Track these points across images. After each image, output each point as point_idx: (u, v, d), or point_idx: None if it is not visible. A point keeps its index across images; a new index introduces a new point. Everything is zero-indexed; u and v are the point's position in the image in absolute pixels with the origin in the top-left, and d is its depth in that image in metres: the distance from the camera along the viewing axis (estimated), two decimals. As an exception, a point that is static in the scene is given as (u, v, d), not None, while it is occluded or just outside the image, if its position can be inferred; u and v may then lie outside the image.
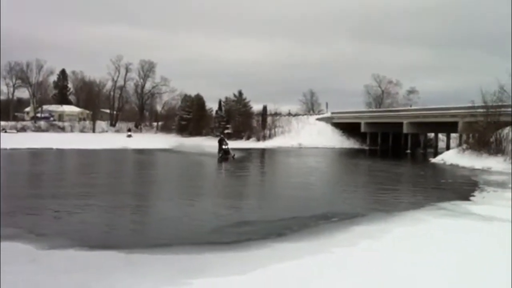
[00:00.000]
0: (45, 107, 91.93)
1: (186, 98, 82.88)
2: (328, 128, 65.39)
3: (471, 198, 16.68)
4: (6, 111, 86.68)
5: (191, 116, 77.64)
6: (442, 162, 34.77)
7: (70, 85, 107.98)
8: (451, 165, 32.48)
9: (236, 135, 66.60)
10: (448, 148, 49.33)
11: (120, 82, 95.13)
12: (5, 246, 8.82)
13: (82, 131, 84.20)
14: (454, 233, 10.76)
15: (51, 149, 41.56)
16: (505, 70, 45.92)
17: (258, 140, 63.68)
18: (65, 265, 7.93)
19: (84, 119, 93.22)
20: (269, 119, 67.50)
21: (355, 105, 79.03)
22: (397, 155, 47.21)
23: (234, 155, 34.64)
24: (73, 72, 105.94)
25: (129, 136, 68.67)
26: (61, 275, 7.36)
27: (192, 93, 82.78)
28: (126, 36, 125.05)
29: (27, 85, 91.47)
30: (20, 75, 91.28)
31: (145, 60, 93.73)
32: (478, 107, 35.96)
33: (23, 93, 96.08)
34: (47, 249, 8.86)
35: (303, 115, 76.34)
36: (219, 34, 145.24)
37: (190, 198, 16.24)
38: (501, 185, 20.57)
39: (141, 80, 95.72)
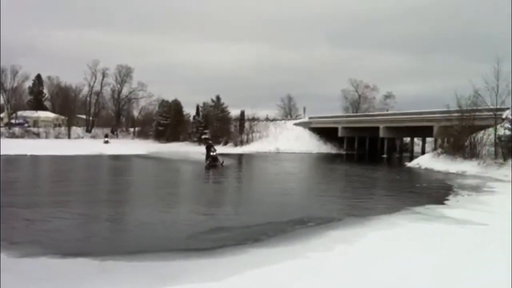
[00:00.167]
0: (19, 113, 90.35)
1: (163, 104, 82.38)
2: (305, 133, 65.68)
3: (446, 202, 16.86)
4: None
5: (168, 122, 77.21)
6: (417, 166, 35.14)
7: (45, 90, 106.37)
8: (426, 169, 32.86)
9: (214, 141, 66.24)
10: (423, 152, 49.94)
11: (97, 88, 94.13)
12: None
13: (57, 137, 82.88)
14: (429, 237, 10.86)
15: (25, 155, 40.84)
16: (479, 74, 46.78)
17: (236, 145, 63.58)
18: (37, 273, 7.79)
19: (60, 125, 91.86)
20: (246, 124, 67.48)
21: (332, 110, 79.82)
22: (374, 160, 47.62)
23: (223, 162, 33.07)
24: (49, 78, 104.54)
25: (106, 142, 67.71)
26: (33, 283, 7.21)
27: (170, 98, 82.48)
28: (102, 41, 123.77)
29: (2, 91, 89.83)
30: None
31: (122, 65, 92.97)
32: (453, 111, 36.47)
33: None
34: (18, 257, 8.69)
35: (280, 120, 76.58)
36: (197, 39, 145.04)
37: (166, 204, 16.08)
38: (475, 189, 20.84)
39: (118, 85, 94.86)
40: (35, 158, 39.39)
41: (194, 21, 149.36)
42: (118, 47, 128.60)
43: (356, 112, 79.36)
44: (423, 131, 50.09)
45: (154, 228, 11.86)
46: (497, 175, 26.75)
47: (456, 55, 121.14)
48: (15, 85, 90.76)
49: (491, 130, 32.08)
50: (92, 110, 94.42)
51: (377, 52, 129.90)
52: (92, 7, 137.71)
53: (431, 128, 44.99)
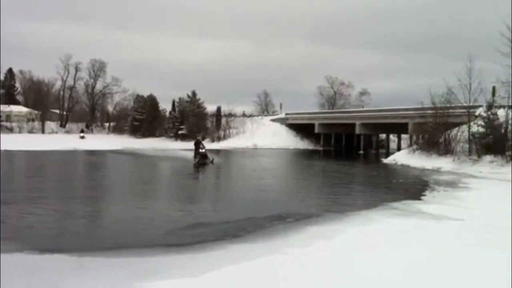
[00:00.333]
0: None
1: (138, 99, 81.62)
2: (282, 129, 65.79)
3: (422, 197, 17.05)
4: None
5: (144, 117, 76.57)
6: (393, 162, 35.49)
7: (17, 84, 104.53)
8: (402, 165, 33.19)
9: (190, 136, 66.03)
10: (399, 148, 50.44)
11: (70, 82, 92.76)
12: None
13: (31, 132, 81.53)
14: (406, 232, 10.97)
15: (-2, 150, 40.04)
16: (452, 71, 47.46)
17: (213, 141, 63.33)
18: (13, 269, 7.63)
19: (33, 120, 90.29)
20: (223, 120, 67.30)
21: (308, 107, 79.90)
22: (350, 156, 47.94)
23: (213, 159, 31.20)
24: (21, 72, 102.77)
25: (82, 137, 66.30)
26: (9, 279, 7.04)
27: (145, 93, 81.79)
28: (75, 34, 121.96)
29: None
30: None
31: (96, 60, 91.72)
32: (427, 108, 36.92)
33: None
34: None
35: (257, 116, 76.49)
36: (172, 34, 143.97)
37: (143, 200, 15.91)
38: (451, 184, 21.12)
39: (92, 80, 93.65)
40: (8, 153, 38.53)
41: (170, 16, 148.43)
42: (91, 41, 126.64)
43: (332, 108, 79.85)
44: (399, 128, 50.64)
45: (131, 224, 11.73)
46: (471, 171, 27.18)
47: (430, 53, 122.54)
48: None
49: (465, 127, 32.57)
50: (66, 105, 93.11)
51: (352, 50, 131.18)
52: (65, 0, 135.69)
53: (406, 125, 45.49)
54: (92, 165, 32.55)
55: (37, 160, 34.36)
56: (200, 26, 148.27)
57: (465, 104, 32.85)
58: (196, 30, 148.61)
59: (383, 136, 61.94)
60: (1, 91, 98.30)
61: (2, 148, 40.22)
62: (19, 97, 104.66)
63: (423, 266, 8.08)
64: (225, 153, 46.07)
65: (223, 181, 24.74)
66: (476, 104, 32.85)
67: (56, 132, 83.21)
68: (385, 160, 37.60)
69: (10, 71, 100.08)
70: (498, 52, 28.72)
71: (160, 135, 71.93)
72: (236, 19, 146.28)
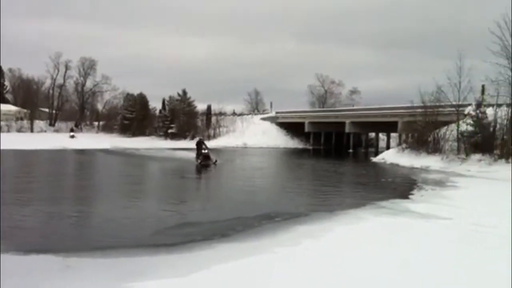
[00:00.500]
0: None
1: (128, 97, 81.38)
2: (272, 128, 65.79)
3: (410, 196, 17.09)
4: None
5: (134, 116, 76.30)
6: (382, 161, 35.60)
7: (6, 83, 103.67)
8: (391, 164, 33.31)
9: (181, 135, 65.92)
10: (388, 147, 50.62)
11: (60, 80, 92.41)
12: None
13: (19, 130, 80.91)
14: (394, 231, 11.01)
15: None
16: (442, 70, 47.72)
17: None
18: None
19: (22, 119, 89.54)
20: (213, 118, 67.23)
21: (299, 105, 80.00)
22: (340, 155, 48.05)
23: (216, 160, 29.68)
24: (10, 70, 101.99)
25: (72, 136, 65.70)
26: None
27: (135, 92, 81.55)
28: (65, 32, 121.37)
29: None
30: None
31: (86, 58, 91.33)
32: (417, 107, 37.05)
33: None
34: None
35: (247, 114, 76.48)
36: (162, 32, 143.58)
37: (132, 200, 15.85)
38: (439, 183, 21.21)
39: (81, 78, 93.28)
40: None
41: (160, 14, 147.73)
42: (81, 39, 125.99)
43: (323, 107, 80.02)
44: (388, 126, 50.80)
45: (120, 224, 11.67)
46: (459, 170, 27.31)
47: (420, 51, 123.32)
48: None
49: (453, 125, 32.72)
50: (55, 104, 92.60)
51: (343, 48, 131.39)
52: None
53: (395, 123, 45.64)
54: (82, 165, 32.36)
55: (25, 159, 34.09)
56: (190, 24, 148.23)
57: (454, 103, 33.03)
58: (187, 28, 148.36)
59: (372, 134, 62.15)
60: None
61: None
62: (8, 96, 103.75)
63: (412, 265, 8.11)
64: (215, 152, 45.92)
65: (212, 180, 24.63)
66: (465, 102, 33.02)
67: (45, 131, 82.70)
68: (374, 159, 37.71)
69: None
70: (488, 50, 28.86)
71: (150, 134, 71.70)
72: (227, 17, 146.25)
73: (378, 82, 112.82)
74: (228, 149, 51.64)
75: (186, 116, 68.09)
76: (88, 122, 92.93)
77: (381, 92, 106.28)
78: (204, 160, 29.01)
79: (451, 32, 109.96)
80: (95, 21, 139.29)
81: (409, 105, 39.29)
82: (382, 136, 61.13)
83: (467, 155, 29.72)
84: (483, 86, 33.40)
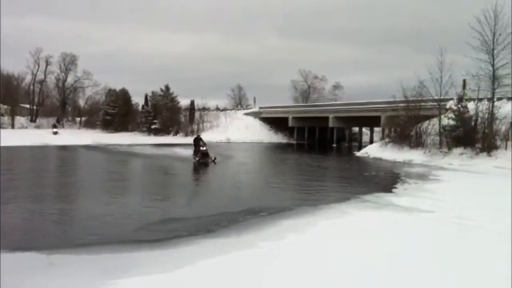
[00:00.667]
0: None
1: (110, 93, 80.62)
2: (256, 123, 65.84)
3: (394, 190, 17.21)
4: None
5: (116, 111, 75.60)
6: (366, 155, 35.82)
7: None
8: (375, 158, 33.54)
9: (164, 131, 65.62)
10: (371, 141, 50.96)
11: (40, 76, 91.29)
12: None
13: (0, 127, 79.77)
14: (378, 225, 11.08)
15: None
16: (424, 65, 48.08)
17: (186, 135, 62.95)
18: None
19: (2, 115, 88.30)
20: (197, 114, 66.99)
21: (282, 100, 80.00)
22: (324, 149, 48.22)
23: (215, 158, 28.15)
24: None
25: (55, 133, 64.34)
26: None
27: (117, 87, 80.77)
28: (45, 27, 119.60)
29: None
30: None
31: (67, 53, 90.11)
32: (399, 102, 37.34)
33: None
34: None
35: (231, 110, 76.34)
36: (144, 27, 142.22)
37: (113, 196, 15.78)
38: (421, 177, 21.40)
39: (63, 74, 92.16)
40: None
41: (142, 9, 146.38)
42: (62, 34, 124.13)
43: (306, 102, 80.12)
44: (371, 121, 51.11)
45: (103, 220, 11.56)
46: (442, 163, 27.62)
47: (402, 46, 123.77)
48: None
49: (435, 120, 33.03)
50: (36, 99, 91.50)
51: (326, 43, 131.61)
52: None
53: (378, 118, 45.95)
54: (65, 161, 32.02)
55: (7, 156, 33.56)
56: (173, 20, 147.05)
57: (436, 97, 33.33)
58: (169, 23, 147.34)
59: (356, 129, 62.52)
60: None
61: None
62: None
63: (395, 258, 8.16)
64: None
65: (196, 175, 24.54)
66: (447, 97, 33.35)
67: (26, 127, 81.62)
68: (357, 153, 37.93)
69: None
70: (468, 45, 29.14)
71: (132, 130, 71.23)
72: (209, 13, 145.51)
73: (360, 77, 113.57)
74: (212, 145, 51.30)
75: (169, 111, 67.78)
76: (69, 118, 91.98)
77: (364, 87, 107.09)
78: (203, 158, 27.89)
79: (432, 28, 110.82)
80: (76, 17, 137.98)
81: (391, 99, 39.57)
82: (365, 131, 61.53)
83: (449, 149, 30.07)
84: (464, 81, 33.81)
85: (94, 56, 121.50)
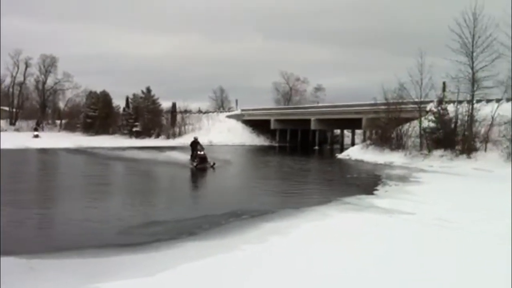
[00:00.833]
0: None
1: (91, 95, 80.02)
2: (238, 125, 65.80)
3: (375, 192, 17.33)
4: None
5: (97, 114, 75.02)
6: (348, 157, 35.99)
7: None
8: (356, 160, 33.70)
9: (145, 133, 65.23)
10: (353, 144, 51.19)
11: (20, 78, 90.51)
12: None
13: (-21, 130, 78.58)
14: (359, 227, 11.11)
15: None
16: (404, 67, 48.52)
17: (168, 138, 62.78)
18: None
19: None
20: (178, 116, 66.74)
21: (264, 102, 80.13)
22: (306, 152, 48.31)
23: (214, 164, 26.34)
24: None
25: (36, 136, 63.02)
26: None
27: (98, 89, 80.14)
28: (24, 29, 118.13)
29: None
30: None
31: (46, 55, 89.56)
32: (380, 104, 37.60)
33: None
34: None
35: (213, 112, 76.27)
36: (125, 29, 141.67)
37: (94, 200, 15.61)
38: (402, 179, 21.56)
39: (42, 76, 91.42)
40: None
41: (123, 11, 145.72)
42: (41, 36, 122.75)
43: (288, 104, 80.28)
44: (353, 123, 51.39)
45: (84, 225, 11.44)
46: (422, 165, 27.87)
47: (383, 49, 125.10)
48: None
49: (416, 122, 33.33)
50: (15, 102, 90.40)
51: (308, 45, 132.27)
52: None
53: (360, 120, 46.19)
54: (46, 164, 31.60)
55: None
56: (154, 21, 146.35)
57: (416, 100, 33.63)
58: (150, 25, 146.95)
59: (337, 131, 62.77)
60: None
61: None
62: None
63: (377, 260, 8.19)
64: (180, 150, 45.61)
65: (178, 179, 24.39)
66: (427, 99, 33.69)
67: (6, 130, 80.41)
68: (339, 156, 38.08)
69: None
70: (448, 47, 29.46)
71: (113, 133, 70.70)
72: (190, 14, 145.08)
73: (342, 80, 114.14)
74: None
75: (151, 114, 67.42)
76: (49, 121, 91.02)
77: (345, 90, 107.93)
78: (201, 163, 26.05)
79: (413, 30, 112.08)
80: (56, 18, 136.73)
81: (372, 102, 39.83)
82: (347, 133, 61.85)
83: (429, 151, 30.35)
84: (444, 83, 34.20)
85: (74, 58, 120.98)
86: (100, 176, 23.50)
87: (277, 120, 61.38)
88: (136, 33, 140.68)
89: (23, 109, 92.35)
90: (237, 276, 7.32)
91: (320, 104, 66.70)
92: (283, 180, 22.73)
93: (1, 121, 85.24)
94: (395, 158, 31.18)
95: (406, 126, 34.21)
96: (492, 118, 28.70)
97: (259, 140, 62.89)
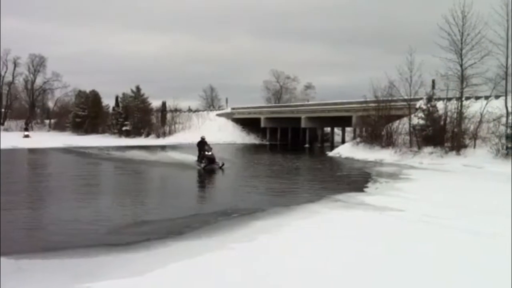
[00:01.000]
0: None
1: (80, 94, 79.73)
2: (228, 124, 65.78)
3: (365, 189, 17.36)
4: None
5: (86, 113, 74.77)
6: (338, 155, 36.05)
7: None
8: (347, 158, 33.78)
9: (135, 132, 65.01)
10: (343, 141, 51.40)
11: (8, 78, 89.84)
12: None
13: (-33, 130, 77.87)
14: (349, 224, 11.13)
15: None
16: (394, 65, 48.64)
17: (158, 137, 62.63)
18: None
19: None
20: (168, 115, 66.67)
21: (254, 101, 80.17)
22: (296, 150, 48.30)
23: (223, 164, 25.13)
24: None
25: (27, 136, 62.63)
26: None
27: (87, 89, 79.90)
28: (13, 28, 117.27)
29: None
30: None
31: (35, 54, 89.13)
32: (370, 101, 37.70)
33: None
34: None
35: (203, 111, 76.18)
36: (115, 28, 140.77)
37: (84, 199, 15.55)
38: (392, 176, 21.62)
39: (31, 75, 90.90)
40: None
41: (112, 9, 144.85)
42: (30, 35, 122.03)
43: (278, 102, 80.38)
44: (343, 121, 51.53)
45: (73, 224, 11.35)
46: (412, 162, 28.00)
47: (372, 47, 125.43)
48: None
49: (406, 119, 33.45)
50: (4, 102, 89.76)
51: (298, 43, 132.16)
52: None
53: (350, 118, 46.33)
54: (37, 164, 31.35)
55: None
56: (143, 20, 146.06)
57: (406, 97, 33.73)
58: (140, 24, 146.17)
59: (328, 129, 62.87)
60: None
61: None
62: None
63: (367, 257, 8.19)
64: (171, 149, 45.50)
65: (167, 177, 24.27)
66: (416, 97, 33.80)
67: (-6, 130, 79.90)
68: (330, 153, 38.14)
69: None
70: (437, 45, 29.59)
71: (103, 132, 70.44)
72: (181, 13, 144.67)
73: (332, 78, 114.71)
74: (184, 146, 51.15)
75: (140, 113, 67.21)
76: (39, 121, 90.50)
77: (335, 87, 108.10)
78: (209, 164, 24.89)
79: (402, 28, 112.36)
80: (45, 17, 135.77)
81: (362, 100, 39.91)
82: (337, 131, 61.98)
83: (419, 148, 30.47)
84: (433, 81, 34.40)
85: (64, 58, 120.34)
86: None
87: (267, 119, 61.39)
88: (126, 32, 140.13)
89: (12, 109, 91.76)
90: (226, 275, 7.28)
91: (310, 102, 66.82)
92: (274, 178, 22.69)
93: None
94: (385, 155, 31.28)
95: (396, 123, 34.35)
96: (481, 115, 28.87)
97: (249, 139, 62.91)
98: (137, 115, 67.03)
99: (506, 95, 27.69)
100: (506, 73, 27.55)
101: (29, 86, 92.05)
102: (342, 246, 8.90)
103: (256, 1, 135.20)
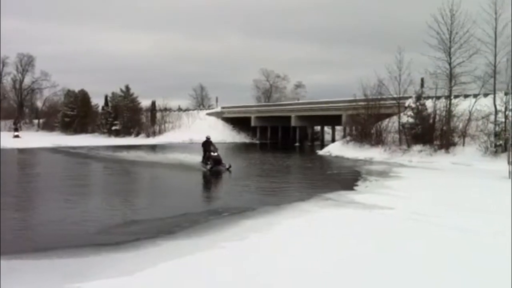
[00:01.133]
0: None
1: (69, 94, 79.30)
2: (218, 123, 65.74)
3: (355, 187, 17.43)
4: None
5: (75, 113, 74.40)
6: (328, 154, 36.16)
7: None
8: (337, 156, 33.89)
9: (125, 132, 64.76)
10: (333, 140, 51.54)
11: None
12: None
13: (-46, 130, 77.10)
14: (339, 222, 11.15)
15: None
16: (383, 64, 48.91)
17: (148, 136, 62.47)
18: None
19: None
20: (158, 114, 66.50)
21: (244, 100, 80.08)
22: (286, 148, 48.38)
23: (230, 166, 24.06)
24: None
25: (17, 136, 61.72)
26: None
27: (76, 88, 79.44)
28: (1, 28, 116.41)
29: None
30: None
31: (23, 54, 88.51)
32: (359, 100, 37.83)
33: None
34: None
35: (193, 110, 76.04)
36: (104, 27, 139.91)
37: (75, 198, 15.42)
38: (382, 174, 21.72)
39: (19, 75, 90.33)
40: None
41: (101, 8, 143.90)
42: (19, 34, 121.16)
43: (268, 101, 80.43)
44: (333, 120, 51.67)
45: (62, 225, 11.29)
46: (401, 160, 28.16)
47: (361, 45, 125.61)
48: None
49: (395, 118, 33.61)
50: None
51: (287, 42, 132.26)
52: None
53: (340, 116, 46.44)
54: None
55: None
56: (133, 19, 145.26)
57: (395, 96, 33.90)
58: (129, 23, 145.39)
59: (318, 128, 63.02)
60: None
61: None
62: None
63: (358, 255, 8.20)
64: (161, 148, 45.40)
65: (158, 176, 24.17)
66: (405, 95, 33.97)
67: (-18, 131, 79.19)
68: (320, 152, 38.23)
69: None
70: (426, 44, 29.76)
71: (92, 131, 70.14)
72: (170, 12, 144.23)
73: (321, 77, 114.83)
74: (174, 145, 51.12)
75: (130, 112, 66.97)
76: (27, 120, 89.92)
77: (325, 86, 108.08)
78: (215, 165, 23.79)
79: (391, 27, 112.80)
80: (33, 16, 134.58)
81: (352, 98, 40.06)
82: (327, 130, 62.18)
83: (408, 146, 30.64)
84: (422, 79, 34.55)
85: (52, 57, 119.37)
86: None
87: (257, 117, 61.41)
88: (115, 31, 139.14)
89: (0, 109, 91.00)
90: (217, 274, 7.27)
91: (300, 101, 66.91)
92: (264, 177, 22.70)
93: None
94: (375, 153, 31.42)
95: (385, 122, 34.53)
96: (470, 113, 29.09)
97: (239, 137, 62.92)
98: (126, 115, 66.78)
99: (494, 93, 27.92)
100: (494, 71, 27.82)
101: (17, 86, 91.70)
102: (332, 245, 8.92)
103: (246, 0, 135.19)
